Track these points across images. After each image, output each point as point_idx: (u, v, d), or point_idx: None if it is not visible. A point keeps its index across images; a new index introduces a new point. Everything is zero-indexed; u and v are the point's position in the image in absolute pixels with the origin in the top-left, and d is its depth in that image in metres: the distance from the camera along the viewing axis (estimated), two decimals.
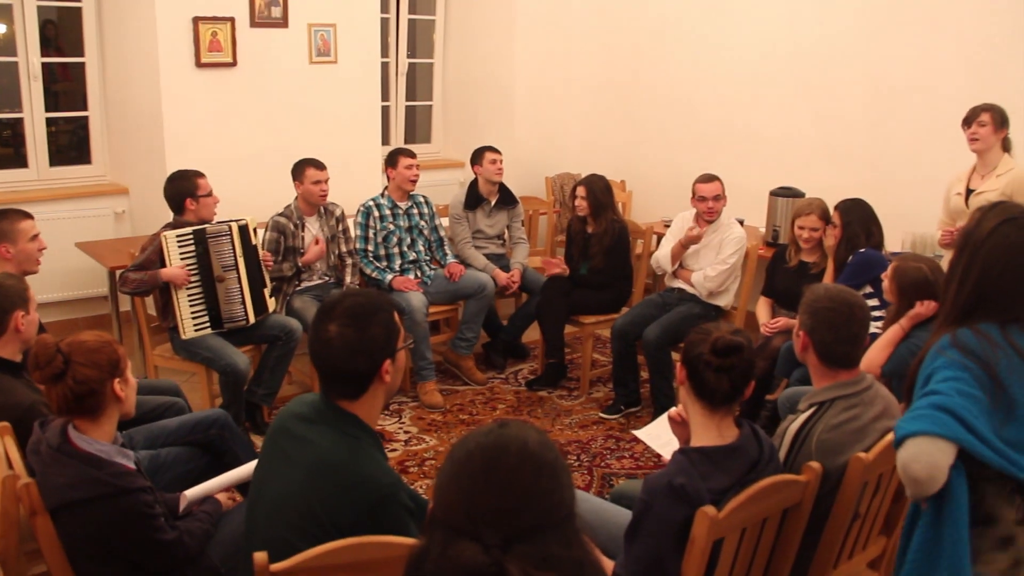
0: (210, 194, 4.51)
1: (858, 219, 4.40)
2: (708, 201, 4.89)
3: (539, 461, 1.29)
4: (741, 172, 6.13)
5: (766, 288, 4.90)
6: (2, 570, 2.07)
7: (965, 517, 1.97)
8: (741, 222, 5.20)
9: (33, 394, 2.84)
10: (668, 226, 5.37)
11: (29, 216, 3.77)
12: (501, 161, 5.69)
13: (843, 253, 4.40)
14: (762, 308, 4.85)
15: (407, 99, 7.59)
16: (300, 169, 4.96)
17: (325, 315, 2.10)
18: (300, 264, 4.98)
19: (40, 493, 2.24)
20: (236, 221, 4.50)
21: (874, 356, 3.48)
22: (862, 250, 4.31)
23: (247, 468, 2.87)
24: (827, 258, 4.60)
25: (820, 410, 2.61)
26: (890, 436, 2.50)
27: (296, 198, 5.03)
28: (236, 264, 4.47)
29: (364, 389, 2.12)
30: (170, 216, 4.54)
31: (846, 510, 2.50)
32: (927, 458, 1.90)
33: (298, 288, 5.05)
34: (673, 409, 2.58)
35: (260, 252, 4.66)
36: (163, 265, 4.31)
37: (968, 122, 4.54)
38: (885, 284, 3.65)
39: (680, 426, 2.52)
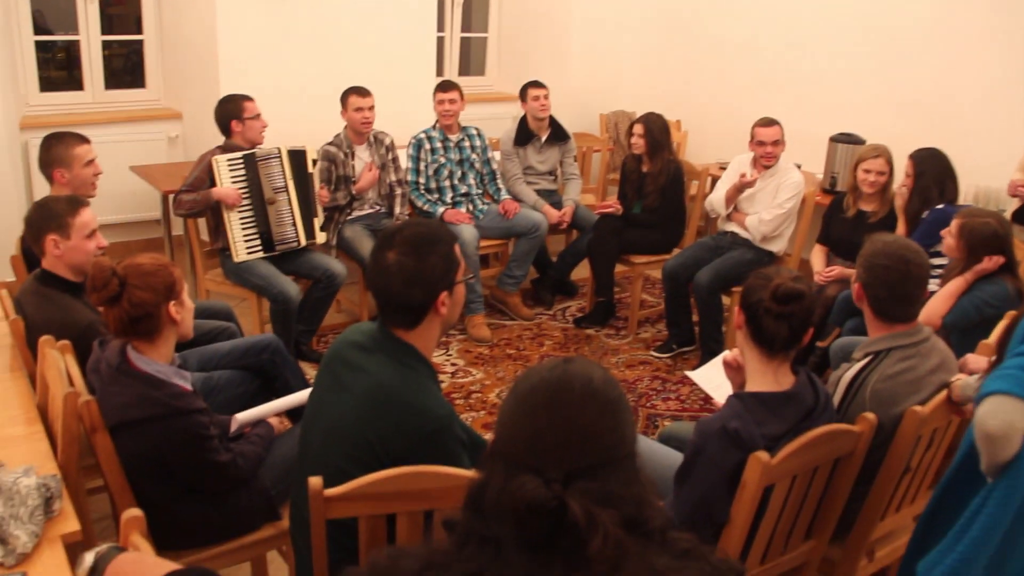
0: (257, 117, 4.51)
1: (932, 171, 4.22)
2: (767, 146, 4.78)
3: (603, 398, 1.27)
4: (801, 116, 5.98)
5: (821, 236, 4.80)
6: (64, 482, 2.11)
7: (1018, 492, 1.92)
8: (798, 167, 5.09)
9: (91, 314, 2.88)
10: (723, 168, 5.28)
11: (85, 140, 3.72)
12: (546, 96, 5.60)
13: (915, 207, 4.25)
14: (817, 256, 4.76)
15: (462, 30, 7.49)
16: (344, 97, 4.96)
17: (385, 243, 2.08)
18: (354, 192, 4.98)
19: (100, 411, 2.27)
20: (292, 148, 4.52)
21: (935, 307, 3.41)
22: (939, 207, 4.14)
23: (299, 395, 2.90)
24: (886, 207, 4.48)
25: (876, 359, 2.57)
26: (945, 391, 2.46)
27: (345, 127, 5.01)
28: (286, 186, 4.49)
29: (420, 319, 2.11)
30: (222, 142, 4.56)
31: (898, 463, 2.47)
32: (1004, 415, 1.86)
33: (350, 217, 5.06)
34: (728, 353, 2.55)
35: (316, 184, 4.66)
36: (213, 185, 4.34)
37: None
38: (949, 241, 3.52)
39: (735, 371, 2.49)
